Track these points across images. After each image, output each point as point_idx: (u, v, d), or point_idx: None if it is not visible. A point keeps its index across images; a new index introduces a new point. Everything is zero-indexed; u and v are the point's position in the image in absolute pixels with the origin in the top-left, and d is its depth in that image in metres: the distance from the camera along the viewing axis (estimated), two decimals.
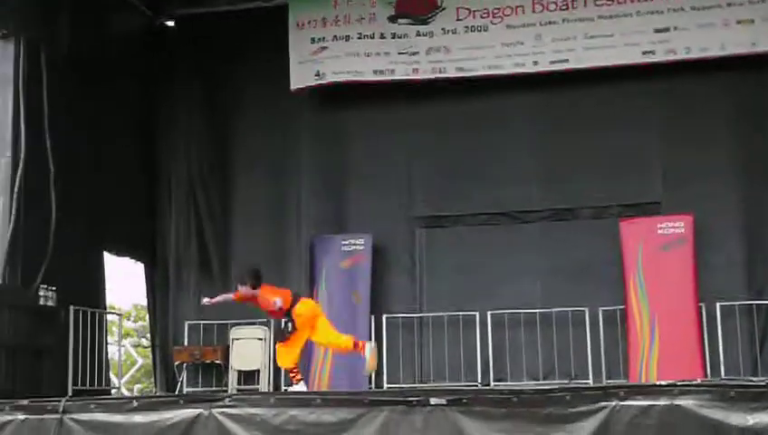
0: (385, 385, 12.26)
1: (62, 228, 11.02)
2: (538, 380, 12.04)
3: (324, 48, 13.16)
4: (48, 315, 10.87)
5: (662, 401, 7.05)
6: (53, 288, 10.90)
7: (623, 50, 12.33)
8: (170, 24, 14.37)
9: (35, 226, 10.76)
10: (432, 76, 12.89)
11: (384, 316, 12.61)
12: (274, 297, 10.03)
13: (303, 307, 10.15)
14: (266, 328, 12.77)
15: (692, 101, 12.53)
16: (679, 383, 7.23)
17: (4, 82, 10.88)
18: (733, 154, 12.40)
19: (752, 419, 6.81)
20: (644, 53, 12.27)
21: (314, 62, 13.14)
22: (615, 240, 12.03)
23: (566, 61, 12.50)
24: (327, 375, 12.42)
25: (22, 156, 10.69)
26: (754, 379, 9.64)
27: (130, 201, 13.33)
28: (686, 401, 7.01)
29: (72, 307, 11.20)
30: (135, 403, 7.89)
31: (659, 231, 11.87)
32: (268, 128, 13.73)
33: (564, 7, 12.56)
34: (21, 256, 10.58)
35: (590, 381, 11.59)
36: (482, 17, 12.83)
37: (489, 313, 12.29)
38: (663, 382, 7.60)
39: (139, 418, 7.79)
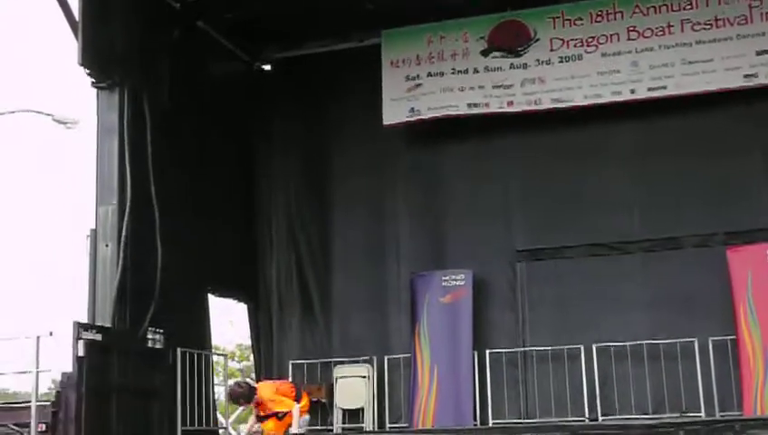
0: (490, 421, 12.13)
1: (168, 272, 11.25)
2: (647, 414, 11.74)
3: (419, 85, 13.24)
4: (156, 357, 11.09)
5: None
6: (161, 330, 11.13)
7: (724, 74, 12.08)
8: (267, 68, 14.65)
9: (142, 270, 11.01)
10: (528, 108, 12.82)
11: (487, 352, 12.50)
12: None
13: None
14: (369, 366, 12.81)
15: None
16: None
17: (109, 130, 11.22)
18: None
19: None
20: (745, 76, 11.99)
21: (408, 98, 13.22)
22: (721, 269, 11.72)
23: (664, 87, 12.30)
24: (432, 410, 12.36)
25: (128, 202, 10.98)
26: None
27: (233, 244, 13.54)
28: None
29: (179, 349, 11.39)
30: None
31: None
32: (365, 167, 13.85)
33: (661, 33, 12.38)
34: (129, 299, 10.84)
35: (703, 415, 11.26)
36: (576, 47, 12.73)
37: (594, 345, 12.07)
38: None
39: None
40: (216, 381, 13.13)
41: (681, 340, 11.78)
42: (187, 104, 12.25)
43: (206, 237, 12.49)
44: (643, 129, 12.77)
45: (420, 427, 11.94)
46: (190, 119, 12.31)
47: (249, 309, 14.19)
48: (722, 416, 10.89)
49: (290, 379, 13.03)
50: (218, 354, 13.63)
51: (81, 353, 9.82)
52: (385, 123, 13.27)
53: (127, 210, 10.98)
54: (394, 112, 13.28)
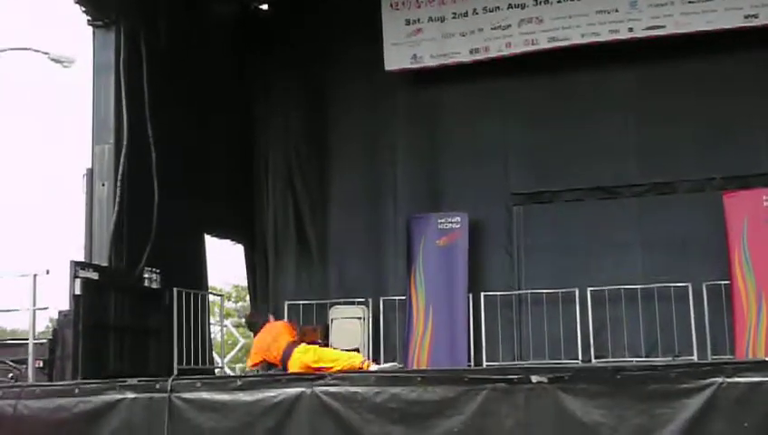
0: (484, 363, 12.23)
1: (165, 213, 11.27)
2: (640, 356, 11.83)
3: (420, 30, 13.12)
4: (152, 297, 11.17)
5: None
6: (157, 271, 11.19)
7: (724, 14, 11.93)
8: (264, 7, 14.51)
9: (139, 210, 11.03)
10: (525, 49, 12.71)
11: (482, 294, 12.56)
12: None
13: None
14: (365, 307, 12.89)
15: None
16: None
17: (106, 69, 11.15)
18: None
19: None
20: (746, 16, 11.85)
21: (410, 44, 13.12)
22: (717, 213, 11.70)
23: (663, 27, 12.17)
24: (427, 352, 12.46)
25: (125, 142, 10.97)
26: None
27: (230, 185, 13.54)
28: None
29: (175, 289, 11.45)
30: (239, 382, 8.05)
31: (765, 204, 11.50)
32: (363, 108, 13.79)
33: None
34: (125, 239, 10.88)
35: (695, 358, 11.36)
36: None
37: (589, 289, 12.12)
38: None
39: (243, 396, 7.93)
40: (211, 321, 13.25)
41: (675, 284, 11.82)
42: (184, 44, 12.15)
43: (203, 178, 12.49)
44: (641, 71, 12.68)
45: (415, 367, 12.02)
46: (187, 58, 12.22)
47: (245, 250, 14.23)
48: (714, 359, 10.96)
49: (285, 318, 13.13)
50: (215, 294, 13.74)
51: (77, 292, 9.89)
52: (387, 68, 13.18)
53: (123, 150, 10.96)
54: (395, 58, 13.18)
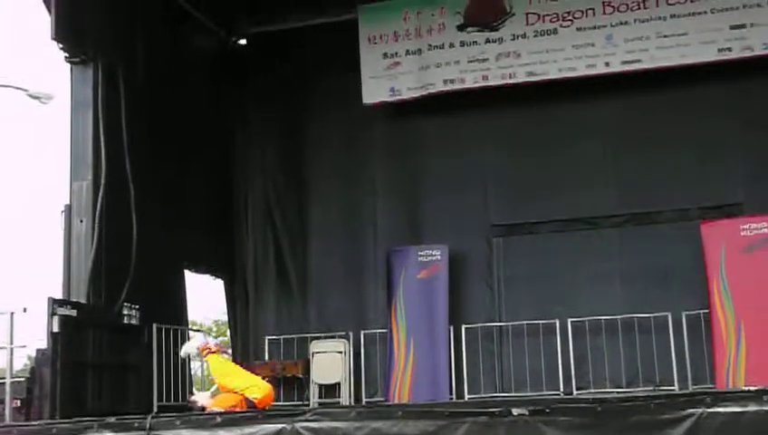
0: (466, 396, 12.20)
1: (144, 248, 11.25)
2: (621, 387, 11.84)
3: (397, 63, 13.21)
4: (132, 333, 11.11)
5: (752, 408, 6.84)
6: (136, 306, 11.13)
7: (698, 48, 12.14)
8: (243, 42, 14.56)
9: (117, 246, 11.00)
10: (502, 82, 12.82)
11: (463, 326, 12.55)
12: None
13: None
14: (346, 341, 12.85)
15: None
16: None
17: (84, 105, 11.14)
18: None
19: None
20: (720, 50, 12.05)
21: (388, 77, 13.21)
22: (696, 243, 11.78)
23: (639, 61, 12.34)
24: (408, 385, 12.41)
25: (102, 178, 10.93)
26: None
27: (209, 219, 13.52)
28: None
29: (154, 325, 11.39)
30: (219, 419, 7.95)
31: (742, 232, 11.61)
32: (342, 141, 13.83)
33: (636, 7, 12.42)
34: (104, 276, 10.82)
35: (676, 388, 11.37)
36: (551, 21, 12.75)
37: (569, 320, 12.14)
38: (752, 388, 7.38)
39: (223, 434, 7.85)
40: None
41: (655, 314, 11.86)
42: (163, 79, 12.18)
43: (182, 213, 12.48)
44: (618, 103, 12.82)
45: (396, 401, 11.97)
46: (165, 93, 12.25)
47: (225, 284, 14.18)
48: (695, 389, 10.97)
49: (266, 354, 13.09)
50: (194, 330, 13.65)
51: (55, 329, 9.83)
52: (365, 102, 13.26)
53: (102, 186, 10.93)
54: (373, 91, 13.27)
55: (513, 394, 12.10)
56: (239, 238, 14.10)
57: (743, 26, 11.97)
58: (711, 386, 11.17)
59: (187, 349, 9.94)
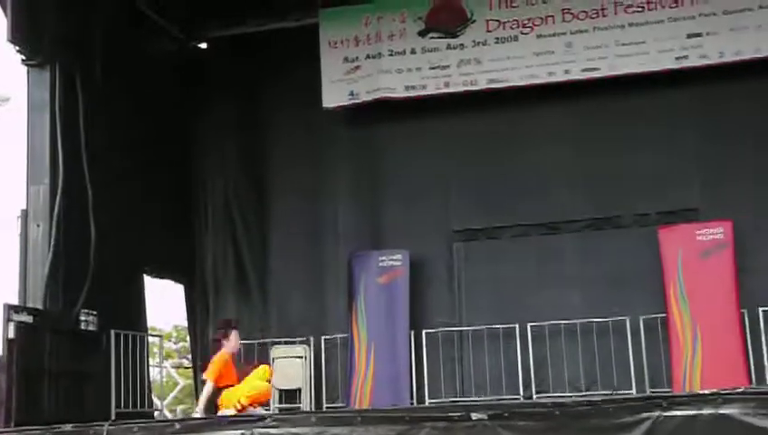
0: (426, 401, 12.23)
1: (102, 253, 11.12)
2: (581, 391, 11.91)
3: (357, 67, 13.23)
4: (90, 339, 10.97)
5: (706, 411, 6.97)
6: (94, 312, 11.01)
7: (656, 56, 12.28)
8: (203, 46, 14.50)
9: (75, 251, 10.86)
10: (463, 89, 12.89)
11: (423, 331, 12.58)
12: None
13: None
14: (307, 346, 12.83)
15: (728, 105, 12.43)
16: (723, 392, 7.13)
17: (40, 108, 10.99)
18: None
19: None
20: (677, 58, 12.20)
21: (347, 81, 13.22)
22: (654, 248, 11.92)
23: (598, 69, 12.45)
24: (369, 390, 12.42)
25: (60, 182, 10.81)
26: None
27: (169, 224, 13.40)
28: (731, 410, 6.93)
29: (113, 331, 11.28)
30: (177, 426, 7.94)
31: (698, 238, 11.76)
32: (303, 146, 13.81)
33: (594, 15, 12.53)
34: (61, 281, 10.68)
35: (634, 392, 11.48)
36: (512, 28, 12.82)
37: (529, 324, 12.21)
38: (707, 392, 7.50)
39: None
40: (151, 362, 13.06)
41: (613, 318, 11.97)
42: (121, 82, 12.05)
43: (142, 218, 12.35)
44: (579, 109, 12.89)
45: (357, 406, 11.98)
46: (124, 97, 12.12)
47: (185, 289, 14.09)
48: (652, 392, 11.09)
49: None
50: (153, 335, 13.55)
51: (11, 336, 9.66)
52: (324, 106, 13.25)
53: (59, 190, 10.79)
54: (333, 95, 13.26)
55: (473, 398, 12.16)
56: (199, 243, 14.02)
57: (699, 35, 12.13)
58: (668, 390, 11.27)
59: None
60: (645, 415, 7.06)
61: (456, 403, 11.51)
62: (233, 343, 10.30)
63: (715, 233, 11.71)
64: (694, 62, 12.13)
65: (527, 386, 12.17)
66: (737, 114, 12.39)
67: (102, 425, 8.00)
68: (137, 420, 8.47)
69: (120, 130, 11.97)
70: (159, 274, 13.44)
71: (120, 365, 11.32)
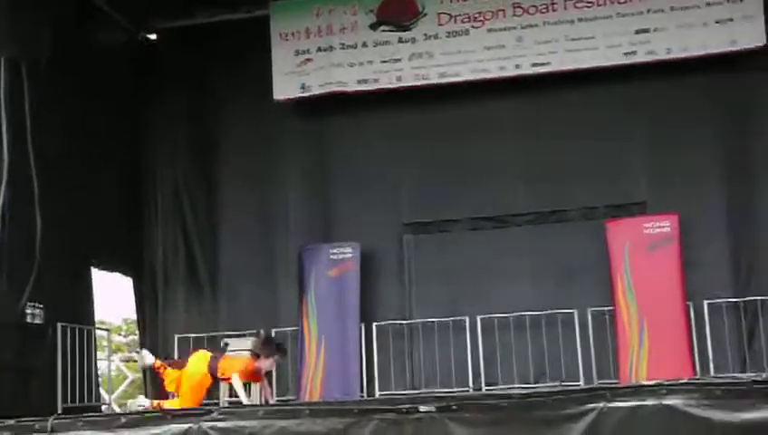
0: (377, 393, 12.26)
1: (49, 245, 10.97)
2: (529, 383, 12.02)
3: (309, 60, 13.20)
4: (36, 333, 10.82)
5: (650, 402, 7.05)
6: (41, 305, 10.86)
7: (604, 51, 12.42)
8: (152, 37, 14.36)
9: (21, 243, 10.71)
10: (415, 83, 12.91)
11: (374, 324, 12.61)
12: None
13: None
14: (257, 340, 12.74)
15: (675, 101, 12.61)
16: (666, 383, 7.23)
17: None
18: (716, 153, 12.50)
19: (739, 416, 6.81)
20: (625, 54, 12.35)
21: (299, 73, 13.19)
22: (602, 241, 12.06)
23: (548, 63, 12.55)
24: (319, 384, 12.42)
25: (5, 173, 10.64)
26: (742, 376, 9.66)
27: (117, 216, 13.27)
28: (673, 401, 7.00)
29: (59, 324, 11.14)
30: (123, 419, 7.85)
31: (645, 231, 11.90)
32: (254, 138, 13.73)
33: (544, 10, 12.62)
34: (6, 273, 10.52)
35: (581, 383, 11.60)
36: (463, 22, 12.87)
37: (479, 317, 12.29)
38: (650, 383, 7.61)
39: (128, 434, 7.74)
40: (100, 356, 12.93)
41: (562, 311, 12.09)
42: (70, 73, 11.90)
43: (90, 210, 12.21)
44: (529, 105, 12.98)
45: (308, 400, 11.97)
46: (73, 88, 11.97)
47: (134, 282, 13.96)
48: (599, 384, 11.21)
49: (175, 353, 12.92)
50: (101, 329, 13.41)
51: None
52: (276, 98, 13.22)
53: (4, 182, 10.61)
54: (285, 87, 13.23)
55: (423, 391, 12.17)
56: (148, 235, 13.89)
57: (647, 31, 12.29)
58: (615, 381, 11.41)
59: (145, 361, 10.44)
60: (590, 406, 7.12)
61: (406, 396, 11.57)
62: (266, 364, 10.21)
63: (662, 226, 11.86)
64: (642, 57, 12.30)
65: (477, 379, 12.25)
66: (685, 110, 12.56)
67: (47, 419, 7.89)
68: (82, 415, 8.38)
69: (68, 121, 11.81)
70: (108, 266, 13.30)
71: (67, 359, 11.19)
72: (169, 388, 10.26)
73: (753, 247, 12.20)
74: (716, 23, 12.09)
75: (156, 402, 10.31)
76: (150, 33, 14.34)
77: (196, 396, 10.07)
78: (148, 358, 10.65)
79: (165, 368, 10.35)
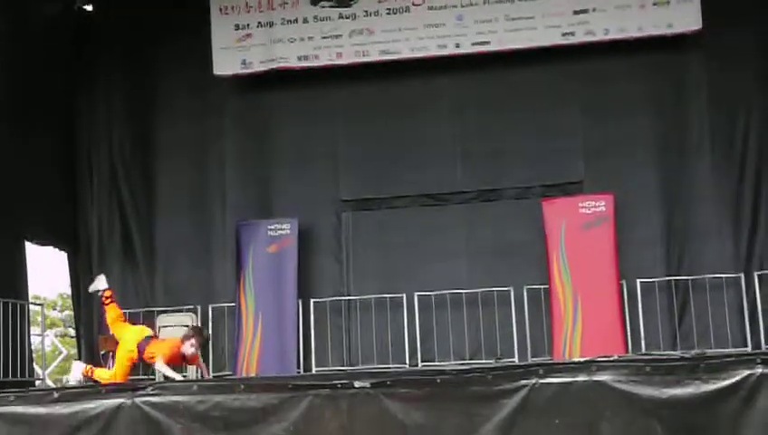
0: (314, 369, 12.29)
1: None
2: (465, 359, 12.16)
3: (249, 35, 13.09)
4: None
5: (581, 378, 7.16)
6: None
7: (544, 32, 12.51)
8: (89, 8, 14.10)
9: None
10: (356, 60, 12.90)
11: (311, 301, 12.63)
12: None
13: None
14: (194, 314, 12.70)
15: (611, 81, 12.77)
16: (597, 360, 7.36)
17: None
18: (651, 133, 12.69)
19: (666, 392, 6.97)
20: (564, 34, 12.47)
21: (239, 49, 13.08)
22: (539, 220, 12.18)
23: (488, 43, 12.62)
24: (256, 360, 12.41)
25: None
26: (672, 353, 9.86)
27: (51, 189, 13.06)
28: (604, 377, 7.13)
29: None
30: (56, 394, 7.77)
31: (581, 210, 12.05)
32: (191, 113, 13.59)
33: None
34: None
35: (516, 360, 11.74)
36: None
37: (416, 294, 12.37)
38: (581, 359, 7.74)
39: (60, 409, 7.66)
40: (34, 331, 12.76)
41: (498, 288, 12.21)
42: (2, 43, 11.66)
43: (23, 183, 12.01)
44: (468, 83, 13.05)
45: (244, 376, 11.94)
46: (5, 59, 11.73)
47: (69, 257, 13.77)
48: (533, 361, 11.36)
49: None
50: (34, 304, 13.22)
51: None
52: (216, 73, 13.11)
53: None
54: (224, 63, 13.12)
55: (360, 367, 12.24)
56: (83, 208, 13.70)
57: (585, 11, 12.41)
58: (549, 358, 11.58)
59: (97, 285, 10.31)
60: (523, 382, 7.21)
61: (343, 372, 11.62)
62: (189, 349, 9.80)
63: (597, 206, 12.02)
64: (580, 38, 12.43)
65: (413, 355, 12.33)
66: (621, 90, 12.74)
67: None
68: (13, 389, 8.27)
69: (0, 91, 11.56)
70: (41, 240, 13.11)
71: (0, 333, 11.01)
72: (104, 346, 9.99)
73: (686, 227, 12.44)
74: (654, 5, 12.26)
75: (88, 368, 10.10)
76: (87, 3, 14.07)
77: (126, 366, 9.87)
78: (102, 283, 10.34)
79: (112, 301, 10.14)
